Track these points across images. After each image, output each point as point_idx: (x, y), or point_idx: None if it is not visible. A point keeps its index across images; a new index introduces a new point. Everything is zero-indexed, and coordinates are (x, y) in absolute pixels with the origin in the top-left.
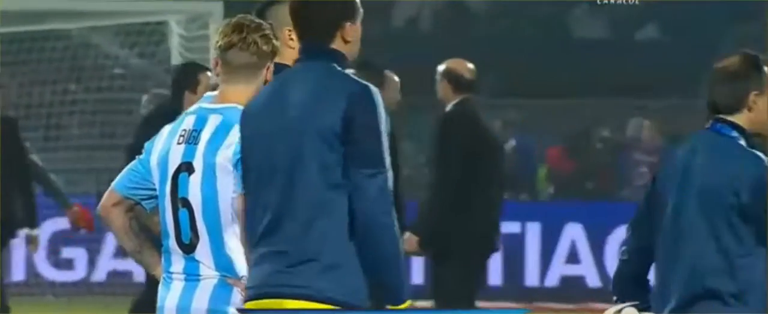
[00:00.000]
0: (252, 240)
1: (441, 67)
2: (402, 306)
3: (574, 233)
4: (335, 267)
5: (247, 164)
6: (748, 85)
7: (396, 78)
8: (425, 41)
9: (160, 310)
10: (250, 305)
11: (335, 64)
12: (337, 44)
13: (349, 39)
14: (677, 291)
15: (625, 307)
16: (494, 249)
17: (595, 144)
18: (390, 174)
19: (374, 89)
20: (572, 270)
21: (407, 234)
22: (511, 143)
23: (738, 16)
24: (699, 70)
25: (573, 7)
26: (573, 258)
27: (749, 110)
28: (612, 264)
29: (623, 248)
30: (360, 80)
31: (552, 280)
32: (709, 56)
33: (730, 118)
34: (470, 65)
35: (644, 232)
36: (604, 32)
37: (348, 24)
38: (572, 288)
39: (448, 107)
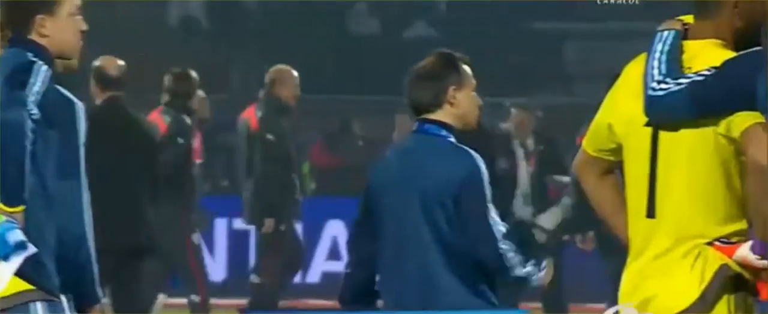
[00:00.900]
0: None
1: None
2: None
3: (335, 229)
4: None
5: None
6: (446, 81)
7: (295, 73)
8: (204, 38)
9: None
10: None
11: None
12: (35, 36)
13: (46, 33)
14: (408, 295)
15: (624, 307)
16: (142, 247)
17: (357, 141)
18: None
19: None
20: (334, 267)
21: None
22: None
23: (500, 18)
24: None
25: (351, 4)
26: (334, 254)
27: (451, 105)
28: None
29: (347, 262)
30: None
31: (313, 277)
32: (475, 55)
33: (434, 116)
34: (120, 62)
35: (364, 241)
36: (376, 29)
37: (40, 17)
38: (333, 285)
39: (97, 104)
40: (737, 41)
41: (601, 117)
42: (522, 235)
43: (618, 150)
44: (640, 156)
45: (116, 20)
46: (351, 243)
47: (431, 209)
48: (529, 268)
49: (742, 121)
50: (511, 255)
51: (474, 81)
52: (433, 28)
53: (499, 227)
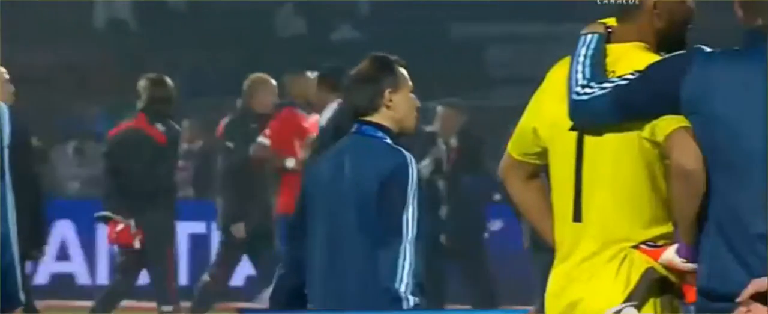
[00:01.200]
0: None
1: None
2: None
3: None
4: None
5: None
6: (382, 85)
7: (273, 82)
8: (131, 41)
9: None
10: None
11: None
12: None
13: None
14: (344, 296)
15: (624, 307)
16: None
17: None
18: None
19: None
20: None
21: None
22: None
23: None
24: None
25: (277, 6)
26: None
27: (388, 108)
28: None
29: (281, 263)
30: None
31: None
32: (409, 56)
33: (371, 118)
34: None
35: (298, 242)
36: (303, 30)
37: None
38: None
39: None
40: (660, 43)
41: (526, 121)
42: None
43: (543, 154)
44: (566, 160)
45: (42, 21)
46: (284, 244)
47: (364, 209)
48: (411, 299)
49: (666, 125)
50: (406, 266)
51: (410, 84)
52: (358, 31)
53: (410, 228)
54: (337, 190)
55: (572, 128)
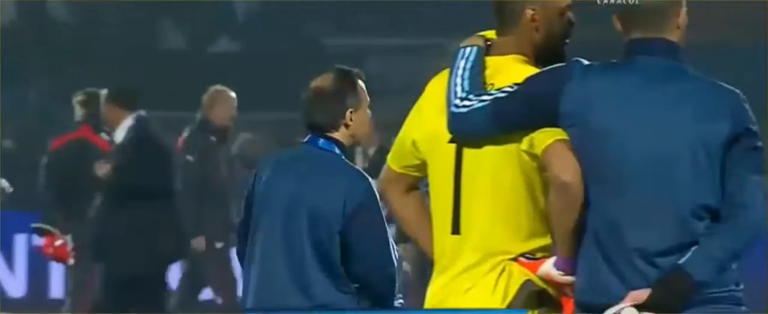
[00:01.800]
0: None
1: None
2: None
3: None
4: None
5: None
6: (344, 104)
7: (232, 94)
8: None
9: None
10: None
11: None
12: None
13: None
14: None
15: (624, 307)
16: None
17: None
18: None
19: None
20: None
21: None
22: None
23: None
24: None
25: (159, 18)
26: None
27: (346, 127)
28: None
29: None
30: None
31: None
32: (278, 72)
33: (328, 134)
34: None
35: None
36: (183, 44)
37: None
38: None
39: None
40: (538, 56)
41: (405, 133)
42: None
43: (422, 166)
44: (445, 172)
45: None
46: (239, 245)
47: (317, 225)
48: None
49: (544, 137)
50: (397, 284)
51: (368, 99)
52: (237, 43)
53: (395, 251)
54: (290, 199)
55: (451, 141)
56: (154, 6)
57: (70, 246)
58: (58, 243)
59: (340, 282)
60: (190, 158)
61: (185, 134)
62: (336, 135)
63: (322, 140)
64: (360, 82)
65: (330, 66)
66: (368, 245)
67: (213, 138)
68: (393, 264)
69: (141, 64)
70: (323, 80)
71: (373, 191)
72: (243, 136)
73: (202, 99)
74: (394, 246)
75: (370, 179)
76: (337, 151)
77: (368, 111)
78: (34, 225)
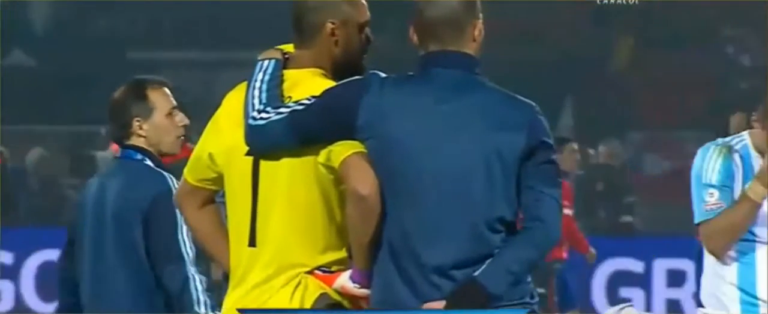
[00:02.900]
0: None
1: None
2: None
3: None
4: None
5: None
6: (131, 113)
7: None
8: None
9: None
10: None
11: None
12: None
13: None
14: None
15: (624, 307)
16: None
17: None
18: None
19: None
20: None
21: None
22: None
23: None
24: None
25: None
26: None
27: (139, 135)
28: None
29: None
30: None
31: None
32: (69, 83)
33: (131, 142)
34: None
35: (70, 264)
36: None
37: None
38: None
39: None
40: (337, 70)
41: (202, 146)
42: None
43: (219, 180)
44: (242, 185)
45: None
46: (59, 263)
47: (124, 230)
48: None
49: (342, 150)
50: (199, 286)
51: (168, 105)
52: (31, 57)
53: (188, 249)
54: (98, 212)
55: (248, 153)
56: None
57: None
58: None
59: (146, 280)
60: None
61: None
62: (136, 141)
63: (128, 150)
64: (154, 91)
65: (127, 78)
66: (157, 239)
67: None
68: (182, 260)
69: None
70: (118, 90)
71: (169, 190)
72: (37, 151)
73: None
74: (188, 245)
75: (171, 179)
76: (139, 157)
77: (172, 118)
78: None
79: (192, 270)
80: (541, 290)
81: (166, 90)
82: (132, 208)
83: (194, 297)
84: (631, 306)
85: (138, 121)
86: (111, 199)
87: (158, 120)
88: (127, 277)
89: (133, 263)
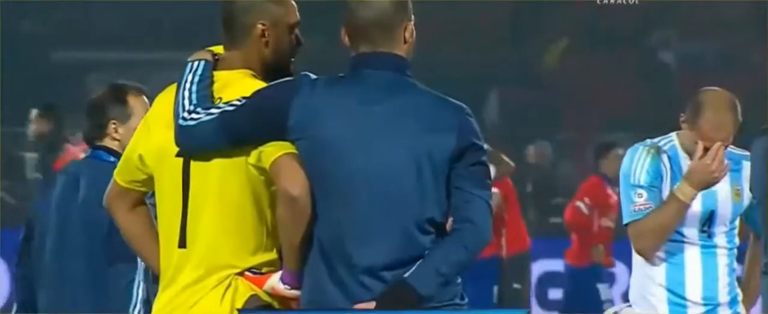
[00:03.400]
0: None
1: None
2: None
3: None
4: None
5: None
6: (108, 115)
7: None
8: None
9: None
10: None
11: None
12: None
13: None
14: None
15: (624, 307)
16: None
17: None
18: None
19: None
20: None
21: None
22: None
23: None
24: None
25: None
26: None
27: (113, 138)
28: None
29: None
30: None
31: None
32: (10, 82)
33: (103, 143)
34: None
35: (28, 258)
36: None
37: None
38: None
39: None
40: (267, 71)
41: (132, 148)
42: None
43: (149, 181)
44: (172, 186)
45: None
46: (17, 261)
47: (90, 229)
48: None
49: (272, 151)
50: (140, 293)
51: (144, 111)
52: None
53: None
54: (65, 208)
55: (178, 154)
56: None
57: None
58: None
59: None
60: None
61: None
62: (108, 143)
63: (99, 151)
64: (134, 98)
65: (54, 79)
66: (118, 238)
67: None
68: (136, 263)
69: None
70: (96, 94)
71: None
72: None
73: None
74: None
75: None
76: (112, 159)
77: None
78: None
79: (141, 277)
80: (517, 285)
81: (145, 99)
82: (101, 207)
83: (133, 300)
84: (629, 306)
85: (114, 124)
86: (79, 197)
87: (134, 126)
88: (90, 275)
89: (98, 261)
